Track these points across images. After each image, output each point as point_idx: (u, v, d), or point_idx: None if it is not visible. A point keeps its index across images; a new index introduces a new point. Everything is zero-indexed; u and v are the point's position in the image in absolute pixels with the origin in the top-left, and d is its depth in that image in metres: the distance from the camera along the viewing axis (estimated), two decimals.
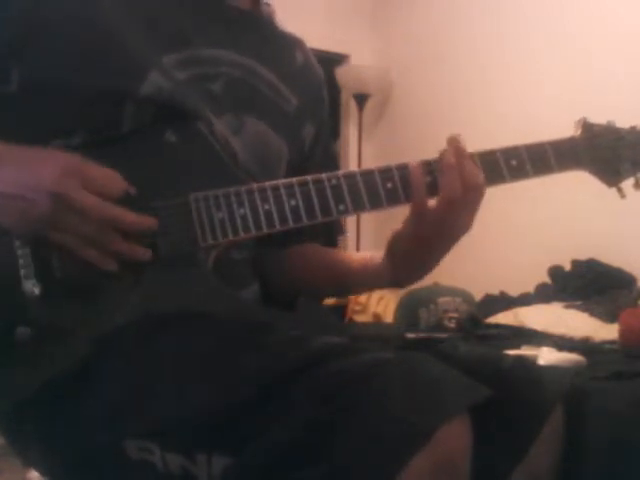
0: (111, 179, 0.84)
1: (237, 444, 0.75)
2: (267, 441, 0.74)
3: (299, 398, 0.74)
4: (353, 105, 4.19)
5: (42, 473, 0.96)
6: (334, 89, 4.20)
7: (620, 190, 1.03)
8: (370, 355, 0.78)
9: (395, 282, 1.01)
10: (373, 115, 4.22)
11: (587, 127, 1.00)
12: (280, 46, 1.11)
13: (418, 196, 0.90)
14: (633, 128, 1.03)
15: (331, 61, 4.16)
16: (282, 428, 0.73)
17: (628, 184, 1.03)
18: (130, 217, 0.84)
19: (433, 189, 0.91)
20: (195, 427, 0.78)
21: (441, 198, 0.90)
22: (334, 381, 0.74)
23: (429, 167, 0.91)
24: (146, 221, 0.85)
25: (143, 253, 0.84)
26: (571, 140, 0.99)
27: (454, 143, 0.91)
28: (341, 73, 4.11)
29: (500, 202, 3.12)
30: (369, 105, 4.13)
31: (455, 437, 0.72)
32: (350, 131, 4.27)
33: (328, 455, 0.71)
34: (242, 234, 0.87)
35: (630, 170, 1.02)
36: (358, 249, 3.85)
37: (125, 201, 0.84)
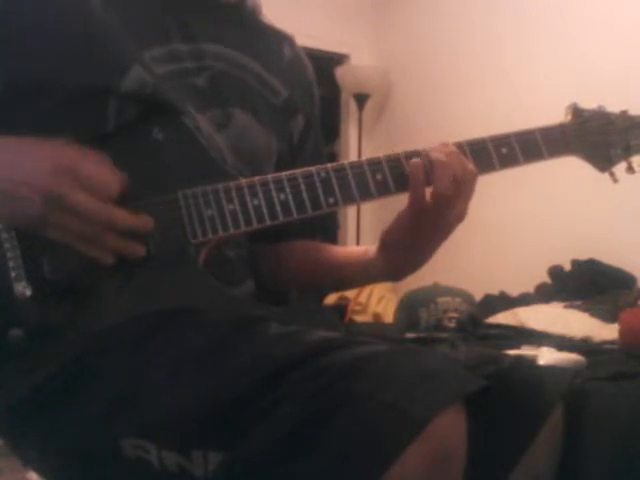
0: (106, 176, 0.84)
1: (234, 440, 0.75)
2: (263, 435, 0.74)
3: (294, 391, 0.74)
4: (353, 105, 4.20)
5: (40, 473, 0.96)
6: (334, 89, 4.20)
7: (612, 175, 1.03)
8: (366, 348, 0.78)
9: (389, 275, 1.01)
10: (373, 115, 4.22)
11: (577, 112, 1.01)
12: (267, 39, 1.10)
13: (417, 193, 0.91)
14: (624, 112, 1.03)
15: (331, 61, 4.16)
16: (278, 421, 0.73)
17: (621, 169, 1.03)
18: (125, 216, 0.83)
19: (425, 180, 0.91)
20: (191, 424, 0.77)
21: (433, 193, 0.90)
22: (329, 373, 0.74)
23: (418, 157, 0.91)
24: (141, 220, 0.84)
25: (139, 249, 0.84)
26: (560, 126, 0.99)
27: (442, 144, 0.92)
28: (341, 73, 4.11)
29: (500, 202, 3.13)
30: (369, 105, 4.13)
31: (450, 428, 0.72)
32: (350, 131, 4.27)
33: (322, 446, 0.71)
34: (232, 230, 0.87)
35: (621, 155, 1.02)
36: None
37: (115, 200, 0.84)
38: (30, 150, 0.83)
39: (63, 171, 0.81)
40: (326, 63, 3.92)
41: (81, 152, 0.84)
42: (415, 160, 0.91)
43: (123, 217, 0.83)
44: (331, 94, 4.13)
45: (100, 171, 0.84)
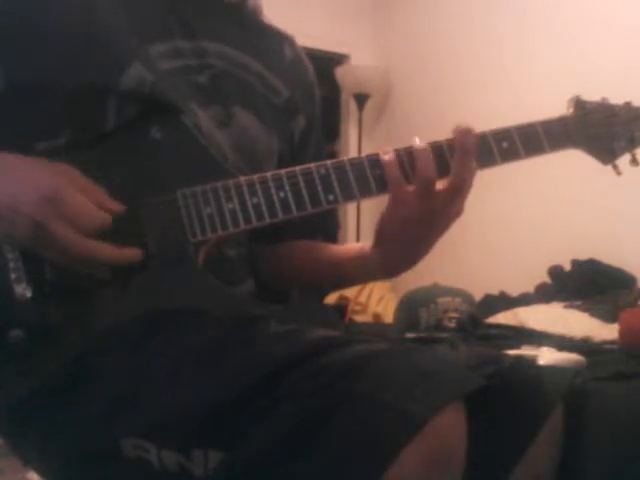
0: (91, 210, 0.82)
1: (234, 439, 0.75)
2: (263, 434, 0.74)
3: (294, 390, 0.74)
4: (353, 105, 4.20)
5: (40, 473, 0.96)
6: (334, 89, 4.20)
7: (616, 168, 1.01)
8: (365, 346, 0.77)
9: (385, 270, 0.99)
10: (373, 115, 4.22)
11: (579, 105, 1.00)
12: (268, 40, 1.10)
13: (392, 178, 0.89)
14: (627, 104, 1.02)
15: (331, 61, 4.16)
16: (278, 421, 0.73)
17: (625, 162, 1.02)
18: (107, 251, 0.82)
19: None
20: (191, 424, 0.77)
21: (416, 180, 0.89)
22: (329, 372, 0.74)
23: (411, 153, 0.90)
24: (127, 253, 0.84)
25: (134, 255, 0.84)
26: (562, 119, 0.98)
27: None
28: (341, 73, 4.11)
29: (500, 202, 3.13)
30: (369, 105, 4.13)
31: (449, 427, 0.71)
32: (350, 131, 4.27)
33: (322, 446, 0.71)
34: (231, 229, 0.87)
35: (625, 147, 1.01)
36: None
37: (114, 199, 0.84)
38: (17, 173, 0.82)
39: (47, 200, 0.80)
40: (326, 63, 3.93)
41: (68, 180, 0.82)
42: (387, 149, 0.90)
43: (106, 253, 0.82)
44: (331, 94, 4.13)
45: (85, 204, 0.82)
